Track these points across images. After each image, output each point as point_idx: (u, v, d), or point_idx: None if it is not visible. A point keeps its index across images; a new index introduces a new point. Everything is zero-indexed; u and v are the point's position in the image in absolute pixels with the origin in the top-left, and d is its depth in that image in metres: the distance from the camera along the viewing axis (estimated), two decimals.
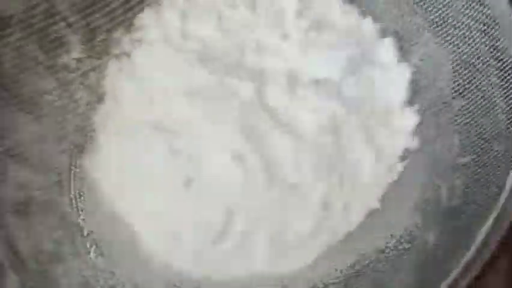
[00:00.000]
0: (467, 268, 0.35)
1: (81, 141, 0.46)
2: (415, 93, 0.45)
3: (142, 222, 0.43)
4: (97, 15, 0.46)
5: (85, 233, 0.44)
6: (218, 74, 0.44)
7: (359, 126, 0.43)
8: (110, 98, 0.47)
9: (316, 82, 0.44)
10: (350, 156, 0.43)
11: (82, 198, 0.45)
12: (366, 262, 0.41)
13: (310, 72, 0.44)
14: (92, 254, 0.43)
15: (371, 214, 0.43)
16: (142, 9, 0.48)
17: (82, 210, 0.45)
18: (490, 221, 0.36)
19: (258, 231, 0.41)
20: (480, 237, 0.36)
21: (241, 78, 0.44)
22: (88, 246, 0.44)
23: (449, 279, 0.35)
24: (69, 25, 0.45)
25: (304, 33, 0.46)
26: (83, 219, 0.44)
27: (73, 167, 0.46)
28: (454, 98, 0.43)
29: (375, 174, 0.43)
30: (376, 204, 0.42)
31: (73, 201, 0.45)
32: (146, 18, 0.48)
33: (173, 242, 0.43)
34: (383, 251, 0.42)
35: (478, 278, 0.36)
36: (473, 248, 0.36)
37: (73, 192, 0.45)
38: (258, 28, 0.46)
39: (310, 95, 0.44)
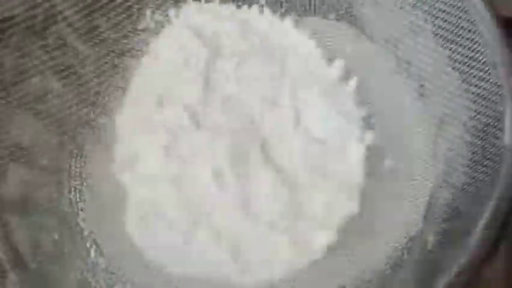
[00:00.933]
0: (465, 267, 0.36)
1: (81, 141, 0.46)
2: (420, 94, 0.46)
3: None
4: (98, 15, 0.46)
5: (85, 233, 0.44)
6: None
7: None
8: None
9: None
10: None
11: (82, 198, 0.45)
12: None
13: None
14: (92, 254, 0.43)
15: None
16: (143, 8, 0.48)
17: (81, 210, 0.45)
18: (488, 221, 0.36)
19: (220, 243, 0.42)
20: (479, 236, 0.36)
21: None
22: (88, 246, 0.44)
23: (448, 279, 0.36)
24: (70, 25, 0.45)
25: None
26: (83, 219, 0.44)
27: (73, 167, 0.46)
28: (455, 96, 0.43)
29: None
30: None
31: (73, 201, 0.45)
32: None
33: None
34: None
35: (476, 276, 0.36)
36: (472, 247, 0.36)
37: (73, 192, 0.45)
38: None
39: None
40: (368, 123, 0.46)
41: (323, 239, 0.41)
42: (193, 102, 0.46)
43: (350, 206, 0.42)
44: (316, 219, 0.42)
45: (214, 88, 0.47)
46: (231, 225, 0.42)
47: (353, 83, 0.47)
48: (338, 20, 0.50)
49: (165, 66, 0.48)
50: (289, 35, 0.49)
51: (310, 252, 0.42)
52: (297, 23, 0.49)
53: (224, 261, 0.42)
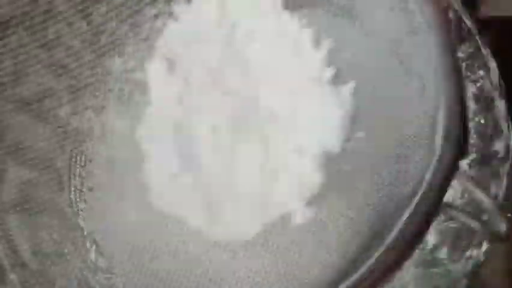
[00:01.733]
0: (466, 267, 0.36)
1: (81, 141, 0.46)
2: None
3: None
4: (98, 15, 0.46)
5: (85, 233, 0.44)
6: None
7: None
8: None
9: None
10: None
11: (82, 198, 0.45)
12: None
13: None
14: (92, 254, 0.43)
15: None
16: (142, 9, 0.48)
17: (81, 210, 0.45)
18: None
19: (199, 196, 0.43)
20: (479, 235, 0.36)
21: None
22: (88, 246, 0.44)
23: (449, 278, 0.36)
24: (70, 25, 0.45)
25: None
26: (83, 219, 0.44)
27: (72, 167, 0.46)
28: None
29: None
30: None
31: (73, 201, 0.45)
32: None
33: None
34: None
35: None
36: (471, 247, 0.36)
37: (73, 192, 0.45)
38: None
39: None
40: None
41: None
42: (212, 62, 0.46)
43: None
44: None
45: (236, 50, 0.47)
46: (213, 185, 0.43)
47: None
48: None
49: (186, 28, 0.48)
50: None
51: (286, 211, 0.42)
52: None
53: (199, 210, 0.42)
